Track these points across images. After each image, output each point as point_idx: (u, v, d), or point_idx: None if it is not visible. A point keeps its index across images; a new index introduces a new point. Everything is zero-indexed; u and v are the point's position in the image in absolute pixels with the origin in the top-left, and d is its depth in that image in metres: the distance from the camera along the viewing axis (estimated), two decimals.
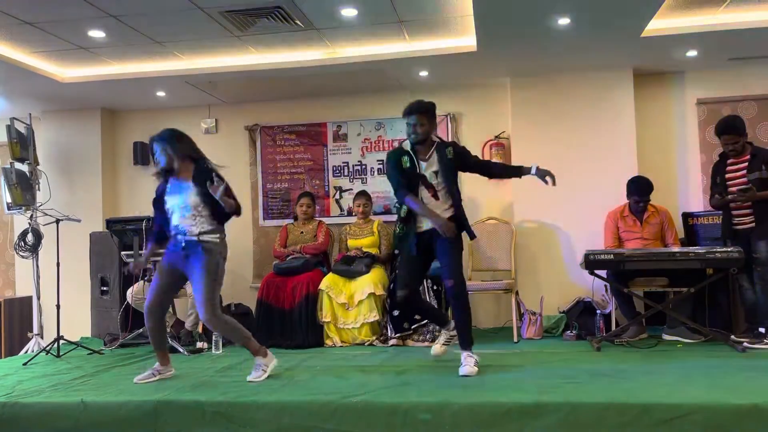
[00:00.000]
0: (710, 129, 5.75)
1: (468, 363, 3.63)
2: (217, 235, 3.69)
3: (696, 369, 3.61)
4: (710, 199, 4.69)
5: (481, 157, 6.02)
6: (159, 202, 3.76)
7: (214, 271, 3.63)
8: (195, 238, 3.63)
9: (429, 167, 3.82)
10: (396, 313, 4.91)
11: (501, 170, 4.41)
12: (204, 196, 3.62)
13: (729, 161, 4.53)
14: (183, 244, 3.64)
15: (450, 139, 6.11)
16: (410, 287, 3.87)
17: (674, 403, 2.80)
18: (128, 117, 6.70)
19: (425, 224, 3.79)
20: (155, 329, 3.76)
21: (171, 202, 3.70)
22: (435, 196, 3.79)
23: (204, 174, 3.66)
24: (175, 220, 3.69)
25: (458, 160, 3.88)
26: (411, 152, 3.84)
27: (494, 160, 5.94)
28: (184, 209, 3.66)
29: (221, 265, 3.71)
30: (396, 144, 6.19)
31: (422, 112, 3.79)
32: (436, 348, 4.08)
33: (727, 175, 4.50)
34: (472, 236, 3.93)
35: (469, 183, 6.10)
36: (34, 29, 4.66)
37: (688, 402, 2.81)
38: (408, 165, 3.81)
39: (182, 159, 3.72)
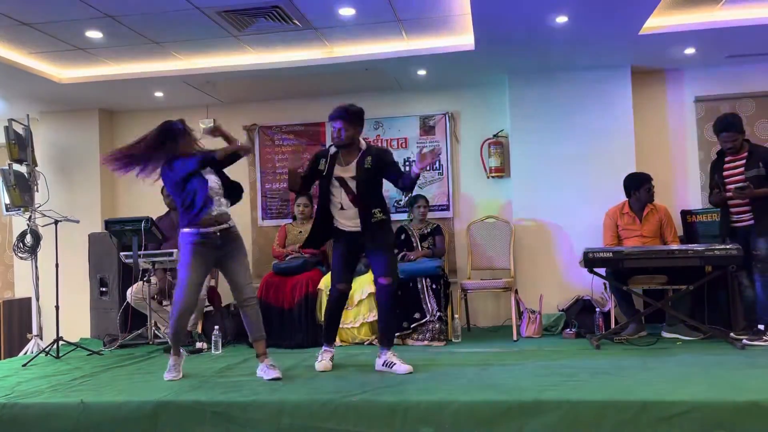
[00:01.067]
0: (708, 126, 5.75)
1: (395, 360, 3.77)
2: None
3: (695, 366, 3.62)
4: (709, 197, 4.70)
5: (479, 156, 6.05)
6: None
7: (244, 255, 3.91)
8: (227, 225, 3.79)
9: (346, 172, 3.84)
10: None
11: (404, 181, 3.92)
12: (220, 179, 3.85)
13: (727, 159, 4.53)
14: (218, 234, 3.74)
15: (450, 137, 6.13)
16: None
17: (673, 401, 2.80)
18: (126, 118, 6.70)
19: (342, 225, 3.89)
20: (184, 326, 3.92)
21: (201, 189, 3.72)
22: (354, 200, 3.81)
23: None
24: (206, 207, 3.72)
25: (375, 169, 3.84)
26: (330, 156, 3.90)
27: (492, 159, 5.96)
28: (215, 195, 3.79)
29: None
30: (394, 144, 6.20)
31: (345, 118, 3.83)
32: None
33: (725, 173, 4.51)
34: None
35: (467, 182, 6.12)
36: (32, 30, 4.65)
37: (688, 399, 2.81)
38: (322, 167, 3.89)
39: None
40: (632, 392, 2.99)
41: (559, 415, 2.82)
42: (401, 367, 3.69)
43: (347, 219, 3.85)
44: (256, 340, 3.84)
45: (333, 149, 3.92)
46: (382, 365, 3.78)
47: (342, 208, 3.84)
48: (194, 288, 3.74)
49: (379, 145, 6.07)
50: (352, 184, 3.81)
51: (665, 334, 4.73)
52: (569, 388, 3.15)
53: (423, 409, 2.94)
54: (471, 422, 2.87)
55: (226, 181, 3.91)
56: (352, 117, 3.84)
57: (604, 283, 4.95)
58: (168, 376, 3.78)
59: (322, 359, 3.92)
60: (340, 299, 3.99)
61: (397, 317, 3.89)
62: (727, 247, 4.25)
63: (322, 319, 5.00)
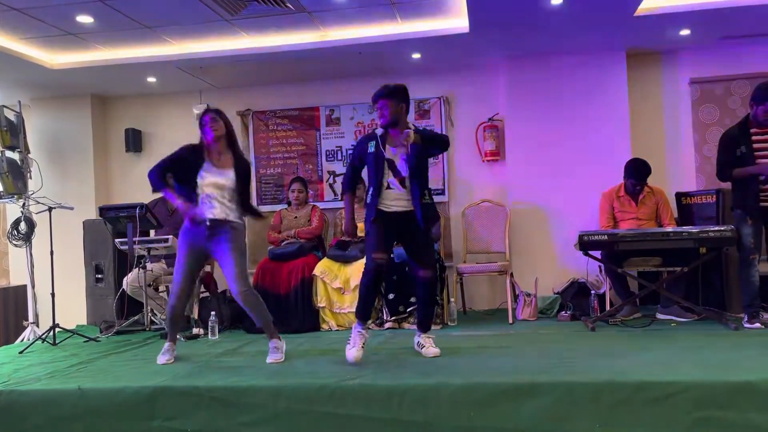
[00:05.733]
0: (704, 108, 5.77)
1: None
2: (241, 219, 3.88)
3: (689, 347, 3.65)
4: (720, 172, 4.36)
5: (475, 140, 6.04)
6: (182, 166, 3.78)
7: (239, 245, 3.80)
8: (223, 218, 3.74)
9: (395, 152, 3.70)
10: (391, 296, 4.92)
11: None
12: (240, 185, 3.81)
13: (753, 130, 4.26)
14: (208, 224, 3.72)
15: (445, 121, 6.11)
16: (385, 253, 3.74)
17: (668, 381, 2.82)
18: (119, 103, 6.65)
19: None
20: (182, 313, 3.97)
21: (207, 180, 3.74)
22: (401, 182, 3.69)
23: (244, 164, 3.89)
24: (204, 198, 3.74)
25: (423, 146, 3.65)
26: (380, 137, 3.74)
27: (488, 142, 5.95)
28: (220, 191, 3.76)
29: (244, 238, 3.93)
30: None
31: (384, 96, 3.67)
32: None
33: (755, 145, 4.22)
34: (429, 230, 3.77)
35: (463, 166, 6.12)
36: (22, 15, 4.60)
37: (682, 380, 2.83)
38: (372, 150, 3.72)
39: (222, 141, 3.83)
40: (627, 373, 3.01)
41: (555, 396, 2.84)
42: (429, 350, 3.69)
43: (392, 200, 3.70)
44: (264, 326, 3.85)
45: (380, 130, 3.76)
46: (416, 346, 3.81)
47: (389, 188, 3.70)
48: (185, 276, 3.79)
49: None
50: (402, 166, 3.69)
51: (660, 316, 4.76)
52: (565, 370, 3.17)
53: (420, 392, 2.95)
54: (467, 405, 2.88)
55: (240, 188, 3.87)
56: (393, 94, 3.67)
57: (599, 266, 4.96)
58: (162, 359, 3.83)
59: (354, 345, 3.60)
60: (376, 270, 3.62)
61: (436, 300, 3.77)
62: (722, 228, 4.27)
63: (318, 303, 5.04)
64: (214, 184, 3.75)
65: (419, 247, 3.75)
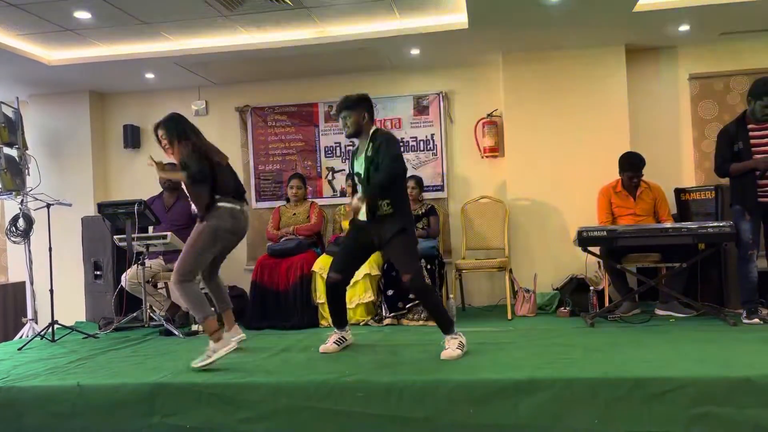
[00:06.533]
0: (703, 104, 5.76)
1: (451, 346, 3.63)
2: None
3: (688, 343, 3.65)
4: (718, 168, 4.38)
5: (474, 136, 6.03)
6: None
7: (193, 238, 3.69)
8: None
9: (359, 163, 3.72)
10: (390, 292, 4.92)
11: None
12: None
13: (750, 126, 4.28)
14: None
15: (444, 117, 6.10)
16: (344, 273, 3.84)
17: (667, 377, 2.83)
18: (117, 100, 6.64)
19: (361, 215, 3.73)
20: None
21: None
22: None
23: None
24: None
25: (375, 157, 3.64)
26: (353, 152, 3.84)
27: (487, 138, 5.95)
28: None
29: (207, 234, 3.68)
30: (388, 124, 6.17)
31: (344, 108, 3.69)
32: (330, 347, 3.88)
33: (752, 141, 4.24)
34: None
35: (462, 162, 6.11)
36: (20, 11, 4.58)
37: (681, 375, 2.84)
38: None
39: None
40: (626, 369, 3.01)
41: (554, 392, 2.85)
42: (446, 352, 3.54)
43: (362, 211, 3.68)
44: (200, 322, 3.74)
45: (352, 148, 3.83)
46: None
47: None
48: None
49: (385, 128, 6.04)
50: (357, 177, 3.73)
51: (659, 312, 4.76)
52: (563, 365, 3.17)
53: (418, 389, 2.96)
54: (466, 401, 2.89)
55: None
56: (353, 105, 3.69)
57: (598, 262, 4.97)
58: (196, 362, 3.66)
59: (327, 341, 3.89)
60: (332, 288, 3.83)
61: (436, 301, 3.69)
62: (720, 224, 4.27)
63: (317, 300, 5.05)
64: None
65: (394, 255, 3.75)
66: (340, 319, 3.98)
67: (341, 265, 3.83)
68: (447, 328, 3.64)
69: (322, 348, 3.84)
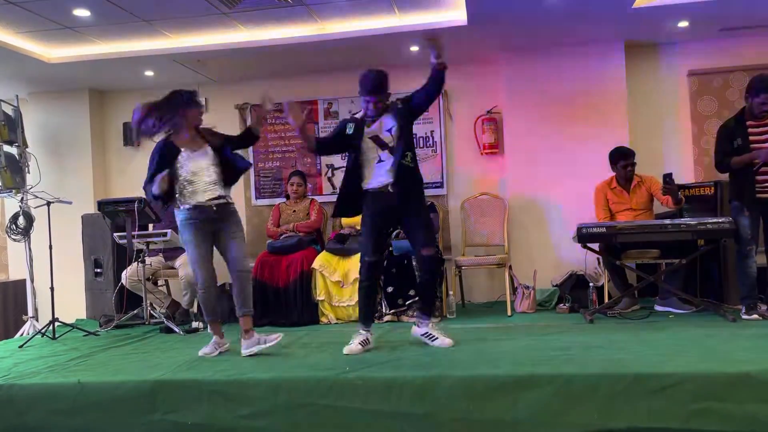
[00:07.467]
0: (701, 100, 5.77)
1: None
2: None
3: (687, 339, 3.66)
4: (719, 163, 4.38)
5: (473, 133, 6.04)
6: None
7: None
8: (225, 200, 3.81)
9: (379, 128, 3.74)
10: (390, 289, 4.93)
11: (431, 82, 3.80)
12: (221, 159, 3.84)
13: (748, 122, 4.28)
14: (215, 208, 3.76)
15: (443, 114, 6.11)
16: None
17: (666, 373, 2.83)
18: (117, 97, 6.64)
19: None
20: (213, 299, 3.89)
21: (193, 167, 3.75)
22: (391, 150, 3.70)
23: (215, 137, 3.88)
24: (199, 185, 3.75)
25: (406, 108, 3.79)
26: (359, 120, 3.81)
27: (486, 135, 5.95)
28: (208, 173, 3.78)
29: None
30: None
31: (370, 91, 3.74)
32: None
33: (751, 138, 4.24)
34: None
35: (461, 159, 6.11)
36: (18, 9, 4.58)
37: (680, 371, 2.84)
38: (350, 132, 3.78)
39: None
40: (625, 365, 3.02)
41: (553, 388, 2.85)
42: (444, 341, 3.64)
43: (382, 174, 3.68)
44: (243, 315, 3.80)
45: (360, 114, 3.81)
46: (422, 335, 3.74)
47: (381, 161, 3.70)
48: (205, 263, 3.79)
49: None
50: (388, 137, 3.70)
51: (658, 308, 4.77)
52: (563, 362, 3.18)
53: (418, 385, 2.96)
54: (466, 397, 2.89)
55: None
56: (380, 89, 3.74)
57: (598, 258, 4.97)
58: (203, 351, 3.85)
59: (352, 342, 3.69)
60: (369, 269, 3.73)
61: (436, 282, 3.77)
62: (720, 220, 4.27)
63: (317, 297, 5.05)
64: (198, 167, 3.76)
65: (420, 226, 3.73)
66: (371, 312, 3.90)
67: (373, 248, 3.74)
68: (432, 312, 3.88)
69: (346, 349, 3.64)
